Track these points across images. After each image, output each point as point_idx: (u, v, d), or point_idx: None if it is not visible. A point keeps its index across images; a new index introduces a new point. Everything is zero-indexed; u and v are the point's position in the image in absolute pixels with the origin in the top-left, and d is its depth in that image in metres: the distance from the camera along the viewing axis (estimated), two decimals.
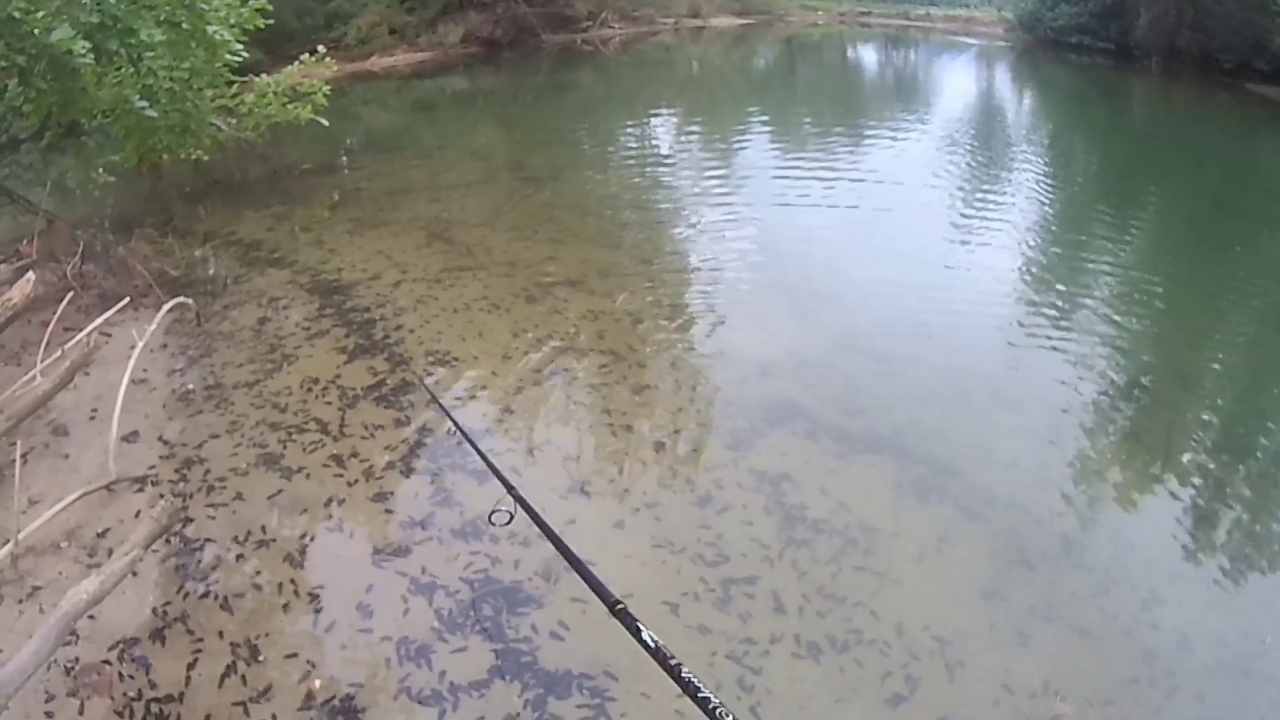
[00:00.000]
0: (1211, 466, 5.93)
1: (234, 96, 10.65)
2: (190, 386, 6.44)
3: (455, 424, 5.35)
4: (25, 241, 8.08)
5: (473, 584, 4.51)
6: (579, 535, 4.84)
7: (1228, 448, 6.22)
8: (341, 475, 5.36)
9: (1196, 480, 5.73)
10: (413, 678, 3.98)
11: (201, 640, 4.16)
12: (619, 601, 1.78)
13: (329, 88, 11.17)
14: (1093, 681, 4.10)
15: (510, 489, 2.70)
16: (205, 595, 4.44)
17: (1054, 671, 4.12)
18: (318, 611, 4.36)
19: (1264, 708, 4.10)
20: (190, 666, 4.01)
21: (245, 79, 10.67)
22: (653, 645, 1.59)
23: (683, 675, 1.48)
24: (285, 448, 5.62)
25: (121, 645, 4.11)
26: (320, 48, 11.27)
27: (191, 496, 5.17)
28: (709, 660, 4.07)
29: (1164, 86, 21.80)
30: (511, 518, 2.69)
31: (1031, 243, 10.24)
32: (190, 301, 7.28)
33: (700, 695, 1.41)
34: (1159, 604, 4.59)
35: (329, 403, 6.15)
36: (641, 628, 1.62)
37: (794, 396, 6.31)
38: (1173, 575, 4.83)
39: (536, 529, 2.65)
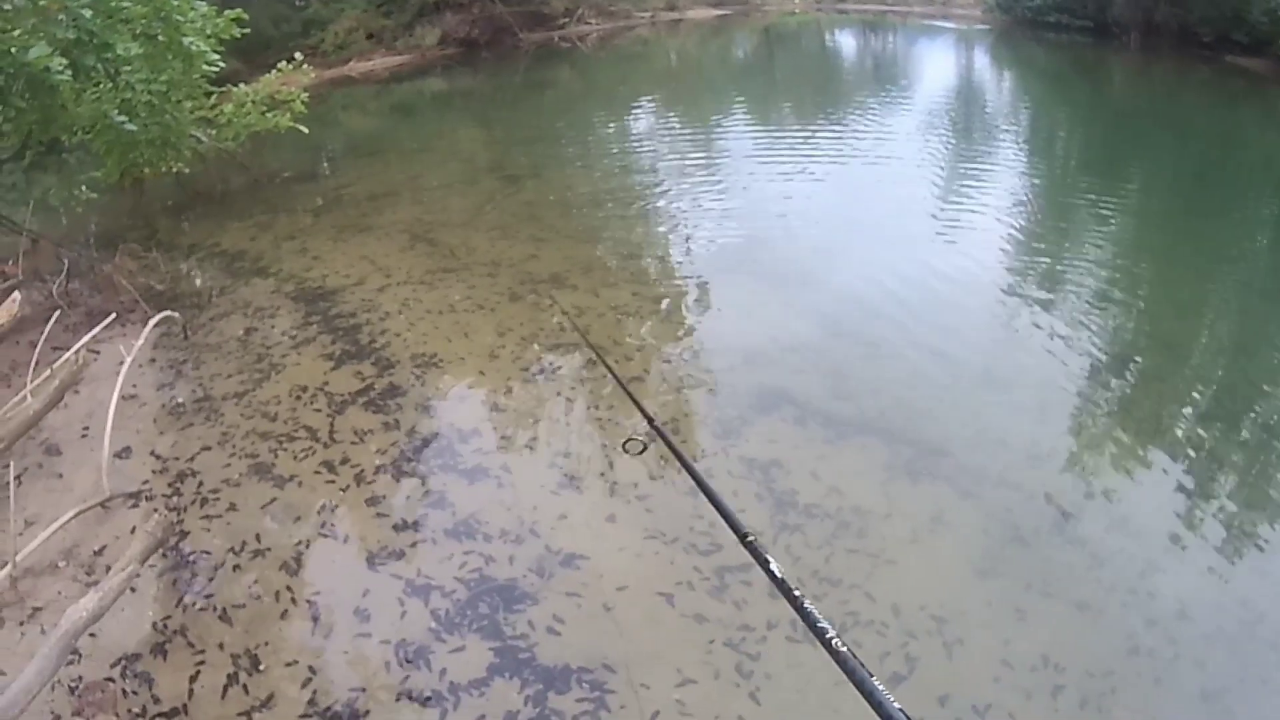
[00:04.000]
0: (1203, 436, 5.96)
1: (213, 107, 10.62)
2: (180, 400, 6.43)
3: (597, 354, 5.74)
4: (10, 262, 8.08)
5: (468, 583, 4.51)
6: (572, 530, 4.88)
7: (1218, 417, 6.24)
8: (333, 481, 5.37)
9: (1188, 451, 5.75)
10: (413, 679, 4.00)
11: (202, 652, 4.17)
12: (749, 534, 1.83)
13: (307, 95, 11.18)
14: (1092, 653, 4.12)
15: (650, 420, 2.71)
16: (204, 607, 4.45)
17: (1053, 645, 4.13)
18: (315, 618, 4.38)
19: (1266, 672, 4.12)
20: (192, 679, 4.03)
21: (223, 89, 10.65)
22: (779, 577, 1.64)
23: (805, 608, 1.52)
24: (276, 456, 5.63)
25: (123, 662, 4.12)
26: (298, 55, 11.28)
27: (185, 510, 5.17)
28: (706, 649, 4.09)
29: (1143, 62, 21.79)
30: (645, 447, 2.71)
31: (1015, 221, 10.25)
32: (177, 315, 7.26)
33: (818, 626, 1.45)
34: (1156, 573, 4.61)
35: (318, 410, 6.16)
36: (770, 559, 1.67)
37: (781, 383, 6.31)
38: (1168, 545, 4.85)
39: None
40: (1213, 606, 4.43)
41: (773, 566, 1.71)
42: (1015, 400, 6.24)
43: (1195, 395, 6.64)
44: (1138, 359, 6.98)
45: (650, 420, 2.80)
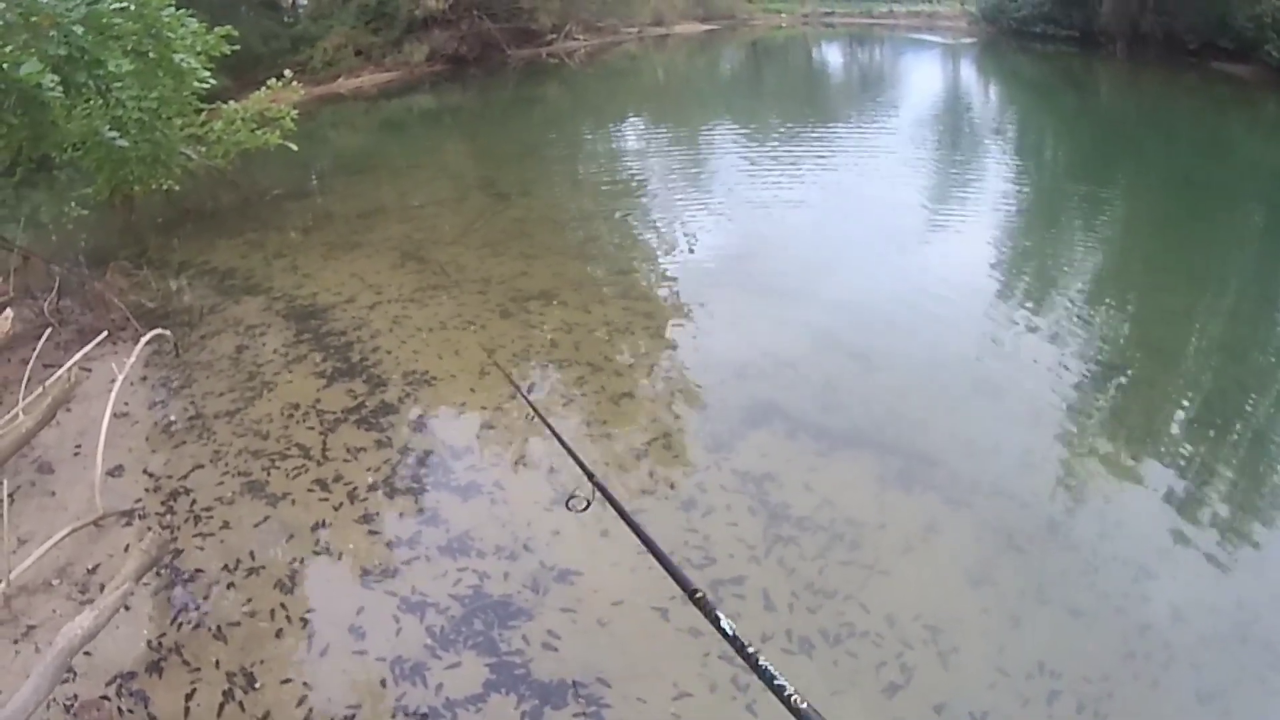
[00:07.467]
0: (1194, 441, 5.98)
1: (203, 124, 10.60)
2: (172, 418, 6.42)
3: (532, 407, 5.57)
4: (1, 279, 8.05)
5: (463, 600, 4.51)
6: (565, 545, 4.87)
7: (1209, 422, 6.27)
8: (326, 499, 5.36)
9: (1180, 455, 5.78)
10: (409, 696, 3.99)
11: (198, 670, 4.16)
12: (698, 590, 1.85)
13: (296, 111, 11.18)
14: (1088, 658, 4.14)
15: (590, 476, 2.72)
16: (199, 625, 4.45)
17: (1048, 652, 4.15)
18: (311, 636, 4.37)
19: (1263, 672, 4.14)
20: (188, 697, 4.02)
21: (213, 106, 10.65)
22: (730, 633, 1.66)
23: (759, 663, 1.53)
24: (269, 475, 5.62)
25: (119, 680, 4.12)
26: (287, 72, 11.30)
27: (179, 528, 5.16)
28: (702, 661, 4.08)
29: (1130, 70, 21.95)
30: (589, 504, 2.72)
31: (1003, 230, 10.34)
32: (168, 333, 7.27)
33: (776, 683, 1.46)
34: (1150, 579, 4.63)
35: (310, 427, 6.16)
36: (720, 616, 1.69)
37: (772, 397, 6.33)
38: (1162, 550, 4.87)
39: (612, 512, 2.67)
40: (1207, 609, 4.45)
41: (723, 623, 1.72)
42: (1007, 409, 6.26)
43: (1186, 400, 6.65)
44: (1128, 365, 7.02)
45: (591, 476, 2.81)
